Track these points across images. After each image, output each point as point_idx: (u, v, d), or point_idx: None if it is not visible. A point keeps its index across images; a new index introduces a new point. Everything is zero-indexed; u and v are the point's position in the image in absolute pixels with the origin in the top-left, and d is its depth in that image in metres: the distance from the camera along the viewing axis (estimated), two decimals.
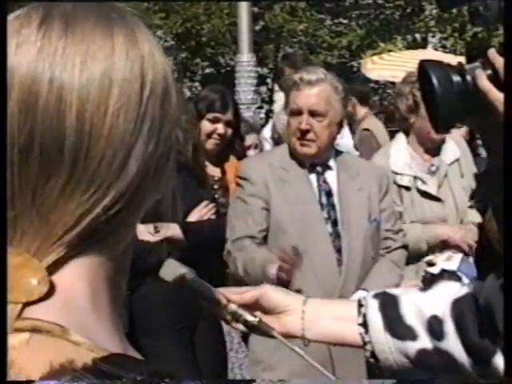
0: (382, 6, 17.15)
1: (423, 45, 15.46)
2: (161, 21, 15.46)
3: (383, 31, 16.42)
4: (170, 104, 0.71)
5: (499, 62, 1.30)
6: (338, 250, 2.83)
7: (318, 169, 2.92)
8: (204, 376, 2.93)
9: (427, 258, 3.32)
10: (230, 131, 3.56)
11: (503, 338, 0.66)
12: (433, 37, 16.60)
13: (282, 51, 15.30)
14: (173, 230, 2.94)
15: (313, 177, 2.91)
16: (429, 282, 3.14)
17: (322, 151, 2.88)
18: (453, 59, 6.64)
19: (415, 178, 3.42)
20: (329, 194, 2.90)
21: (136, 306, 2.86)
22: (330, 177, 2.93)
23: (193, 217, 3.04)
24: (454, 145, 3.54)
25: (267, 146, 4.52)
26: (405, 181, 3.40)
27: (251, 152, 4.26)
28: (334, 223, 2.87)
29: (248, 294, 1.38)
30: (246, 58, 9.15)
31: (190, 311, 2.97)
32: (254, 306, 1.37)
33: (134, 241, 0.76)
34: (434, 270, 3.22)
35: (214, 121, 3.49)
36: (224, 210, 3.51)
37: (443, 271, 3.19)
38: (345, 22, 17.13)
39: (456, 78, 1.33)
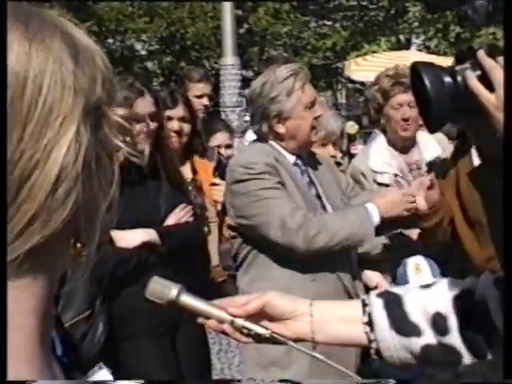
0: (366, 7, 17.23)
1: (407, 46, 15.56)
2: (145, 25, 15.48)
3: (367, 33, 16.50)
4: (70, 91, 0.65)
5: (488, 63, 1.33)
6: None
7: (302, 161, 2.99)
8: (187, 378, 2.93)
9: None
10: (186, 127, 3.57)
11: (503, 338, 0.67)
12: (416, 38, 16.69)
13: (267, 54, 15.35)
14: (150, 235, 2.94)
15: (299, 170, 2.97)
16: None
17: None
18: (436, 60, 6.68)
19: (395, 175, 3.46)
20: (315, 185, 3.00)
21: (115, 311, 2.85)
22: (309, 169, 3.03)
23: (170, 221, 3.03)
24: (435, 142, 3.57)
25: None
26: (385, 178, 3.45)
27: (223, 152, 4.11)
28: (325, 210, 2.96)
29: (251, 305, 1.36)
30: (230, 61, 9.17)
31: (171, 315, 2.97)
32: (259, 315, 1.37)
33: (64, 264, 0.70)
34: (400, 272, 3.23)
35: (168, 119, 3.46)
36: (200, 211, 3.50)
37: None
38: (329, 23, 17.19)
39: (447, 79, 1.36)
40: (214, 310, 1.33)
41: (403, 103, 3.43)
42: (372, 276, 3.35)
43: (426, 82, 1.34)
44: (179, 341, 3.05)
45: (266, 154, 2.91)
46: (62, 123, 0.63)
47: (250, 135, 4.76)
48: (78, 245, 0.69)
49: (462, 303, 1.34)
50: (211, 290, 3.34)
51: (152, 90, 3.19)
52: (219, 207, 3.55)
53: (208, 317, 1.34)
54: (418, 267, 3.08)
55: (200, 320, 1.35)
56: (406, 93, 3.32)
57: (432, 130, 1.45)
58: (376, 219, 2.78)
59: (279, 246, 2.77)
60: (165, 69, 16.45)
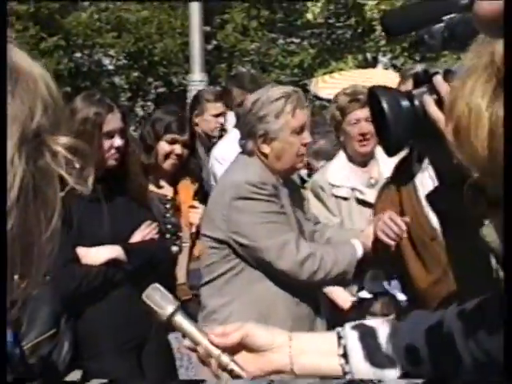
0: (334, 25, 17.35)
1: (374, 64, 15.69)
2: (113, 40, 15.43)
3: (334, 50, 16.62)
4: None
5: (445, 89, 1.35)
6: None
7: (287, 184, 3.01)
8: None
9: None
10: (186, 152, 3.64)
11: (503, 338, 0.67)
12: (383, 56, 16.84)
13: (235, 70, 15.38)
14: (116, 252, 2.93)
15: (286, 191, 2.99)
16: (365, 306, 3.21)
17: None
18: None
19: (353, 189, 3.52)
20: (293, 207, 3.02)
21: (81, 329, 2.84)
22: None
23: (135, 237, 3.03)
24: (395, 157, 3.64)
25: (217, 165, 4.49)
26: (342, 192, 3.51)
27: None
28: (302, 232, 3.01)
29: (231, 337, 1.37)
30: (198, 77, 9.21)
31: (138, 331, 2.96)
32: (238, 347, 1.38)
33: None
34: (365, 294, 3.25)
35: (172, 142, 3.59)
36: (174, 229, 3.52)
37: (375, 294, 3.23)
38: (297, 41, 17.29)
39: (405, 103, 1.38)
40: (204, 340, 1.33)
41: (360, 119, 3.51)
42: (335, 290, 3.39)
43: (384, 106, 1.36)
44: (145, 357, 3.04)
45: (269, 175, 2.90)
46: None
47: (219, 151, 4.77)
48: (16, 276, 0.65)
49: (432, 335, 1.35)
50: None
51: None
52: (193, 229, 3.63)
53: (196, 343, 1.34)
54: (374, 277, 3.14)
55: (187, 344, 1.37)
56: (363, 109, 3.38)
57: (390, 154, 1.47)
58: (359, 255, 2.82)
59: (277, 271, 2.80)
60: (132, 84, 16.40)
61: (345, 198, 3.54)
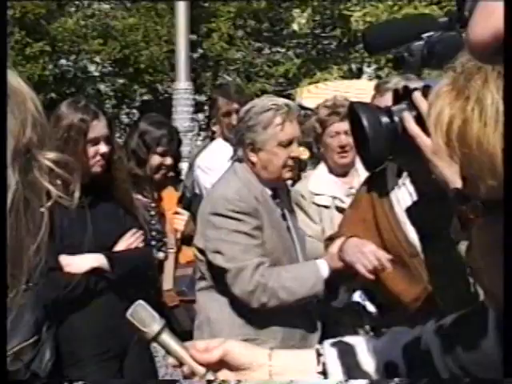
0: (319, 36, 17.42)
1: (358, 75, 15.77)
2: (99, 46, 15.41)
3: (320, 60, 16.68)
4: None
5: (425, 107, 1.36)
6: None
7: (279, 194, 3.03)
8: None
9: None
10: (174, 161, 3.76)
11: (503, 337, 0.68)
12: (368, 67, 16.92)
13: (220, 79, 15.42)
14: (99, 261, 2.92)
15: (276, 203, 3.00)
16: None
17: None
18: None
19: (334, 198, 3.55)
20: (284, 217, 3.04)
21: (63, 336, 2.83)
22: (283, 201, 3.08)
23: (120, 246, 3.03)
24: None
25: (200, 174, 4.50)
26: (323, 200, 3.54)
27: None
28: (294, 243, 3.04)
29: (213, 354, 1.38)
30: (183, 85, 9.20)
31: (119, 340, 2.96)
32: (219, 364, 1.39)
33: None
34: (338, 303, 3.26)
35: (163, 154, 3.68)
36: (159, 236, 3.54)
37: (346, 304, 3.24)
38: (282, 50, 17.34)
39: (384, 120, 1.39)
40: (188, 358, 1.34)
41: (340, 131, 3.55)
42: None
43: (364, 122, 1.38)
44: (126, 366, 3.04)
45: (251, 188, 2.92)
46: None
47: (202, 160, 4.79)
48: None
49: (410, 351, 1.36)
50: (161, 316, 3.35)
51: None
52: (178, 235, 3.66)
53: (181, 362, 1.35)
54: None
55: (171, 361, 1.37)
56: (343, 121, 3.41)
57: (369, 169, 1.48)
58: (325, 275, 2.79)
59: (233, 294, 2.82)
60: (117, 91, 16.38)
61: (326, 207, 3.57)
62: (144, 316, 1.33)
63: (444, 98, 0.81)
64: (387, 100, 1.63)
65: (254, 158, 2.92)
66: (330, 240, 2.76)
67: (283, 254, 2.93)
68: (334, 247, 2.66)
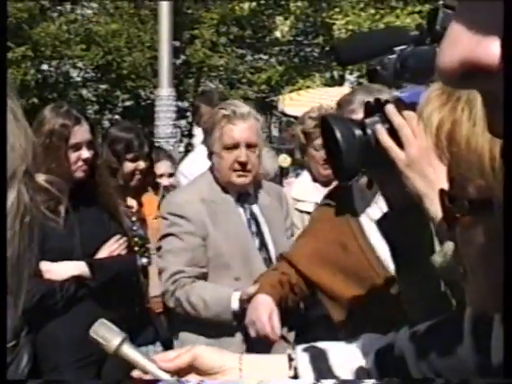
0: (302, 43, 17.50)
1: (341, 82, 15.84)
2: (82, 52, 15.39)
3: (302, 68, 16.75)
4: None
5: (397, 121, 1.37)
6: None
7: (246, 198, 3.02)
8: None
9: None
10: (148, 164, 3.69)
11: (503, 337, 0.69)
12: (350, 74, 17.00)
13: (203, 85, 15.44)
14: (79, 268, 2.92)
15: (240, 207, 3.00)
16: None
17: (253, 181, 3.00)
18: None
19: (317, 204, 3.57)
20: (257, 222, 3.01)
21: (41, 342, 2.83)
22: (254, 205, 3.05)
23: (103, 253, 3.02)
24: None
25: (183, 180, 4.53)
26: (306, 206, 3.55)
27: (165, 181, 4.26)
28: (266, 248, 3.00)
29: (180, 359, 1.37)
30: (165, 92, 9.19)
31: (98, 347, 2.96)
32: (188, 369, 1.38)
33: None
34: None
35: (134, 159, 3.62)
36: (142, 241, 3.54)
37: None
38: (265, 57, 17.41)
39: (358, 132, 1.39)
40: (151, 366, 1.34)
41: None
42: None
43: (338, 134, 1.37)
44: (104, 372, 3.04)
45: (203, 192, 2.94)
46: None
47: (185, 166, 4.81)
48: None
49: (382, 357, 1.36)
50: (145, 321, 3.36)
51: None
52: None
53: (145, 371, 1.35)
54: None
55: (136, 373, 1.36)
56: None
57: (342, 181, 1.47)
58: (233, 308, 2.77)
59: None
60: (100, 97, 16.35)
61: (308, 213, 3.58)
62: (104, 332, 1.35)
63: (434, 102, 0.82)
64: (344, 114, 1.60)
65: (211, 161, 2.98)
66: (281, 257, 2.65)
67: (235, 260, 2.90)
68: (251, 289, 2.60)
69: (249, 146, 2.92)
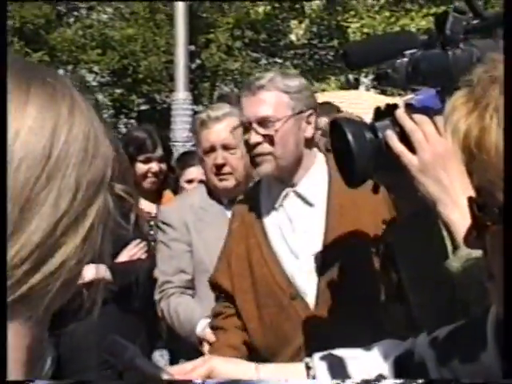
0: (316, 46, 17.48)
1: (356, 85, 15.83)
2: (98, 57, 15.45)
3: (317, 71, 16.74)
4: (91, 163, 0.69)
5: (408, 126, 1.36)
6: None
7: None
8: None
9: None
10: (163, 167, 3.64)
11: (503, 337, 0.69)
12: (365, 77, 16.98)
13: (218, 89, 15.46)
14: (100, 271, 2.94)
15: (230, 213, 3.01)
16: None
17: (241, 183, 2.93)
18: (384, 99, 6.84)
19: None
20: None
21: (64, 346, 2.84)
22: None
23: (123, 257, 3.03)
24: None
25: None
26: None
27: (192, 186, 4.21)
28: None
29: (196, 373, 1.37)
30: (181, 96, 9.20)
31: None
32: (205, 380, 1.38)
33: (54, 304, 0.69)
34: None
35: (147, 161, 3.58)
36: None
37: None
38: (280, 61, 17.39)
39: (369, 135, 1.37)
40: (165, 378, 1.34)
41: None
42: None
43: (349, 137, 1.35)
44: (128, 376, 3.06)
45: (193, 199, 2.97)
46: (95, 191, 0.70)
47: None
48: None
49: (402, 364, 1.34)
50: (157, 325, 3.38)
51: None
52: None
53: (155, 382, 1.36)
54: None
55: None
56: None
57: (352, 186, 1.45)
58: (197, 332, 2.77)
59: None
60: (116, 101, 16.41)
61: None
62: (116, 348, 1.36)
63: (460, 109, 0.82)
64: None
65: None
66: (209, 283, 2.57)
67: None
68: (208, 334, 2.61)
69: (226, 147, 2.89)
